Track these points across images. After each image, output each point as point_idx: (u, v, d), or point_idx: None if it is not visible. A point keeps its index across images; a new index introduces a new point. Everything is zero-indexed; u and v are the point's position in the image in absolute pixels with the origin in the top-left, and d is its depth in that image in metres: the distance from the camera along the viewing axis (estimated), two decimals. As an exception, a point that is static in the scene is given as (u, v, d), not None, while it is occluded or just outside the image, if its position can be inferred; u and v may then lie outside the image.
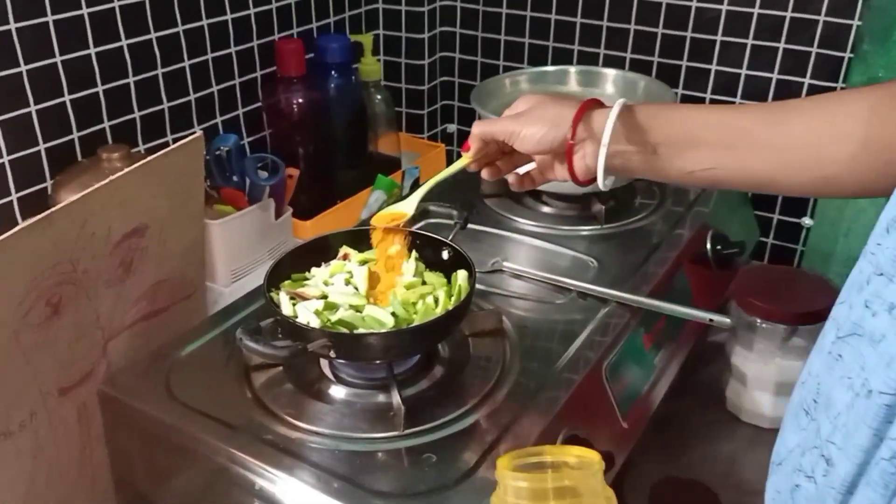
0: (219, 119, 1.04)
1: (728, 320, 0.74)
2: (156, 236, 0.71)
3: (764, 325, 0.80)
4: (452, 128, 1.37)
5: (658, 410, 0.79)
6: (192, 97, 0.99)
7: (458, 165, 0.69)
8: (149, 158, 0.67)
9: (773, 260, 1.17)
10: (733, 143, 0.58)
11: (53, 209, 0.58)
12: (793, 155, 0.55)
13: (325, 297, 0.68)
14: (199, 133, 0.71)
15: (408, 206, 0.71)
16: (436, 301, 0.67)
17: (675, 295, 0.84)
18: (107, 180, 0.62)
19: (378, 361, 0.67)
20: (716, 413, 0.87)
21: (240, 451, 0.61)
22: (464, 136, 1.37)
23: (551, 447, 0.56)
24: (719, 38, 1.09)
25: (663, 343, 0.82)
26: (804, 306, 0.77)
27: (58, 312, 0.63)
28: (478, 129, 0.67)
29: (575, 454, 0.52)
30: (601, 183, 0.61)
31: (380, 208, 1.11)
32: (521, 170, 0.70)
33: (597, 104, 0.63)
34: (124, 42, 0.89)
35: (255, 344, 0.59)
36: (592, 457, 0.52)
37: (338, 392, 0.68)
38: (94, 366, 0.69)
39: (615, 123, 0.59)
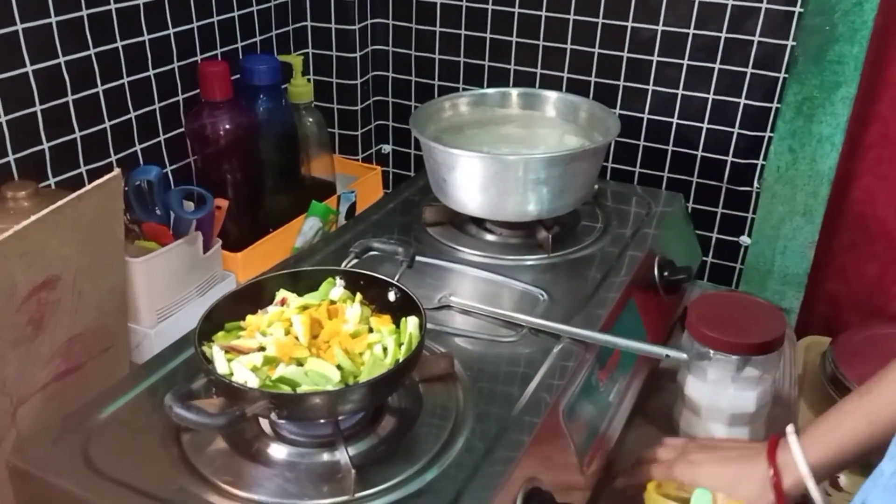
0: (138, 147, 0.97)
1: (684, 356, 0.73)
2: (69, 287, 0.64)
3: (717, 356, 0.78)
4: (387, 148, 1.33)
5: (614, 447, 0.77)
6: (107, 125, 0.92)
7: None
8: (60, 203, 0.60)
9: (713, 278, 1.18)
10: None
11: (-53, 267, 0.51)
12: None
13: (262, 349, 0.62)
14: (116, 171, 0.65)
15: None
16: (384, 350, 0.63)
17: (626, 326, 0.82)
18: (11, 231, 0.55)
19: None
20: (670, 444, 0.85)
21: (171, 527, 0.55)
22: (399, 158, 1.35)
23: None
24: (655, 58, 1.09)
25: (617, 377, 0.79)
26: (757, 337, 0.76)
27: (-45, 382, 0.56)
28: None
29: None
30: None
31: (314, 236, 1.06)
32: None
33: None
34: (29, 68, 0.81)
35: (188, 413, 0.53)
36: None
37: (279, 452, 0.62)
38: (1, 436, 0.61)
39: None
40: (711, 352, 0.78)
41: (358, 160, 1.28)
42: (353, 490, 0.58)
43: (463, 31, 1.18)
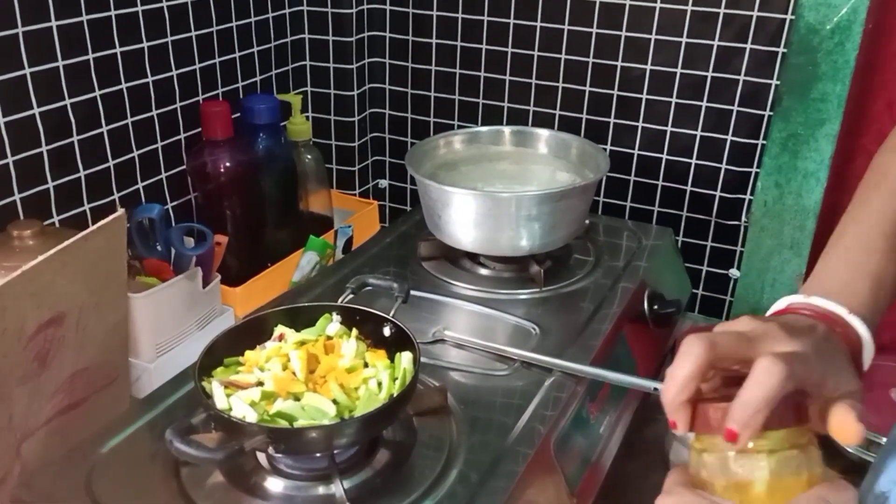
0: (140, 185, 0.99)
1: (672, 388, 0.74)
2: (74, 324, 0.66)
3: (705, 388, 0.80)
4: (384, 183, 1.36)
5: (605, 479, 0.78)
6: (110, 163, 0.94)
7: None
8: (66, 243, 0.62)
9: (703, 310, 1.20)
10: None
11: (-43, 307, 0.53)
12: None
13: (260, 384, 0.64)
14: (121, 212, 0.67)
15: None
16: (379, 385, 0.65)
17: (617, 358, 0.84)
18: (19, 271, 0.58)
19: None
20: (661, 475, 0.86)
21: (171, 560, 0.57)
22: (395, 192, 1.38)
23: None
24: (644, 96, 1.12)
25: (608, 409, 0.81)
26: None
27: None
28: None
29: None
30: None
31: (312, 270, 1.08)
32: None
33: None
34: (36, 110, 0.84)
35: (188, 448, 0.55)
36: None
37: (275, 485, 0.64)
38: (6, 471, 0.63)
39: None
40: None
41: (355, 195, 1.30)
42: (349, 522, 0.59)
43: (458, 70, 1.22)
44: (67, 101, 0.87)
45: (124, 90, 0.94)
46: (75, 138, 0.89)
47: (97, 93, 0.90)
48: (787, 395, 0.43)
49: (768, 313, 0.55)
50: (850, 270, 0.55)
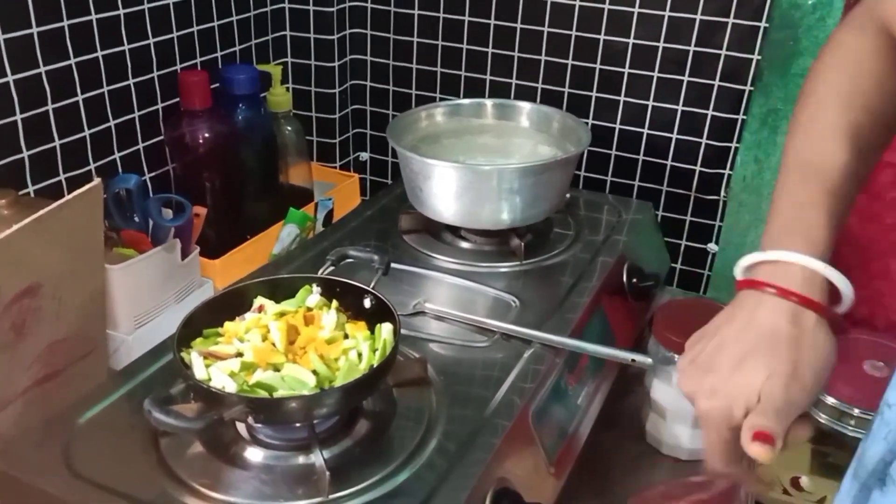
0: (117, 155, 0.98)
1: (649, 360, 0.75)
2: (50, 294, 0.65)
3: (682, 360, 0.81)
4: (365, 156, 1.35)
5: (583, 449, 0.79)
6: (86, 133, 0.93)
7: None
8: (41, 212, 0.62)
9: (681, 284, 1.21)
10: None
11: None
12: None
13: (240, 354, 0.64)
14: (97, 181, 0.66)
15: None
16: (359, 356, 0.65)
17: (595, 331, 0.85)
18: (-7, 240, 0.57)
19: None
20: (638, 446, 0.88)
21: (150, 529, 0.57)
22: (377, 165, 1.37)
23: None
24: (627, 70, 1.12)
25: (586, 381, 0.82)
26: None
27: (-62, 387, 0.57)
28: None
29: None
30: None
31: (292, 242, 1.08)
32: None
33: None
34: (10, 77, 0.82)
35: (167, 417, 0.55)
36: None
37: (255, 455, 0.64)
38: (-18, 440, 0.63)
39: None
40: (676, 356, 0.81)
41: (336, 168, 1.29)
42: (328, 491, 0.59)
43: (440, 42, 1.21)
44: (42, 69, 0.86)
45: (100, 58, 0.92)
46: (50, 107, 0.88)
47: (72, 60, 0.89)
48: None
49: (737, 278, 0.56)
50: (798, 206, 0.54)
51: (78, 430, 0.66)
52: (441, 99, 1.23)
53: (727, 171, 1.11)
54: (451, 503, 0.59)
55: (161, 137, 1.03)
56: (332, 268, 0.78)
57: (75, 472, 0.61)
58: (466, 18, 1.17)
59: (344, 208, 1.13)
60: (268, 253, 1.05)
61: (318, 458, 0.61)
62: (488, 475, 0.63)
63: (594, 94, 1.15)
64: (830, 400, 0.88)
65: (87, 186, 0.65)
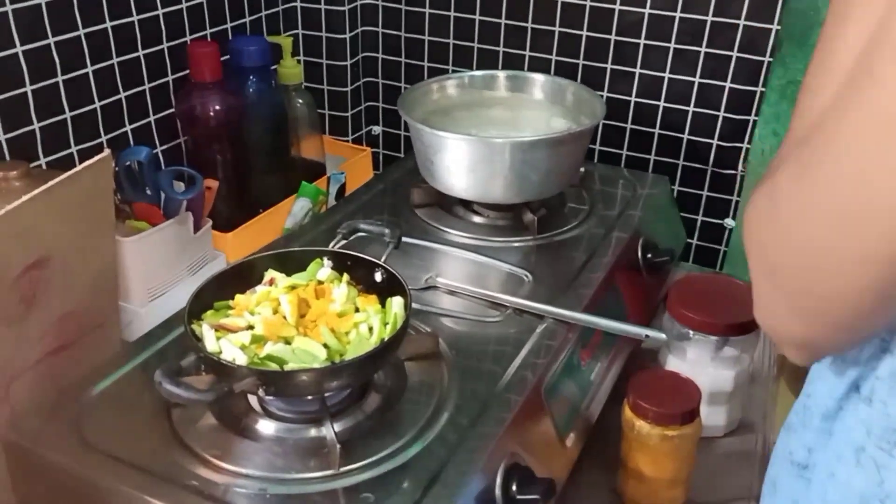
0: (128, 128, 0.97)
1: (663, 336, 0.74)
2: (60, 266, 0.65)
3: (696, 336, 0.80)
4: (377, 129, 1.34)
5: (595, 425, 0.79)
6: (97, 105, 0.92)
7: None
8: (51, 183, 0.61)
9: (697, 260, 1.19)
10: None
11: (-59, 247, 0.53)
12: None
13: (251, 327, 0.64)
14: (106, 152, 0.66)
15: None
16: (370, 329, 0.64)
17: (608, 306, 0.84)
18: (2, 211, 0.56)
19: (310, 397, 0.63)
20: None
21: (160, 500, 0.57)
22: (389, 139, 1.36)
23: None
24: (642, 41, 1.10)
25: (599, 357, 0.81)
26: (736, 317, 0.78)
27: (-50, 358, 0.57)
28: None
29: None
30: None
31: (304, 216, 1.07)
32: None
33: None
34: (19, 48, 0.82)
35: (177, 388, 0.55)
36: None
37: (267, 427, 0.64)
38: (-5, 412, 0.63)
39: None
40: (691, 332, 0.80)
41: (348, 141, 1.29)
42: (339, 464, 0.59)
43: (452, 13, 1.19)
44: (51, 40, 0.85)
45: (109, 29, 0.91)
46: (60, 79, 0.87)
47: (81, 31, 0.88)
48: None
49: None
50: None
51: (90, 402, 0.66)
52: (454, 71, 1.21)
53: (745, 145, 1.09)
54: (462, 477, 0.59)
55: (172, 110, 1.03)
56: (343, 241, 0.77)
57: (87, 444, 0.62)
58: (480, -11, 1.15)
59: (356, 182, 1.12)
60: (280, 226, 1.04)
61: (329, 431, 0.61)
62: (500, 450, 0.63)
63: (609, 65, 1.13)
64: None
65: (96, 158, 0.65)
